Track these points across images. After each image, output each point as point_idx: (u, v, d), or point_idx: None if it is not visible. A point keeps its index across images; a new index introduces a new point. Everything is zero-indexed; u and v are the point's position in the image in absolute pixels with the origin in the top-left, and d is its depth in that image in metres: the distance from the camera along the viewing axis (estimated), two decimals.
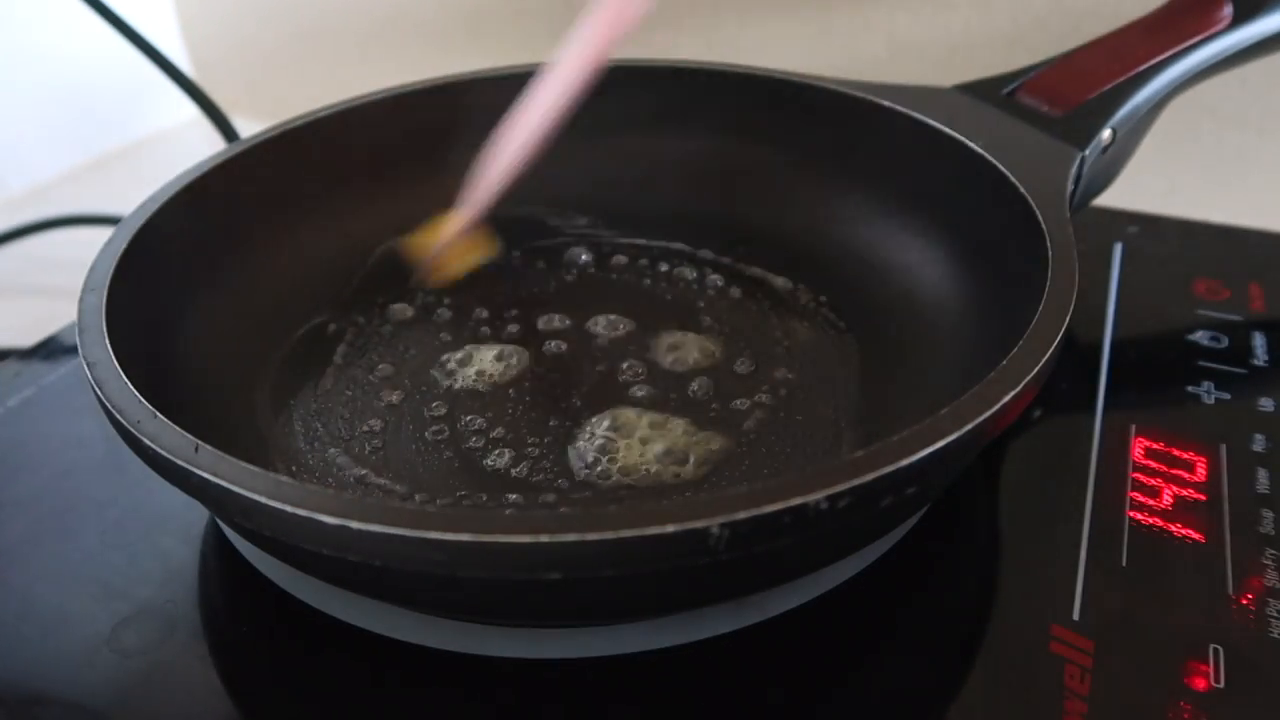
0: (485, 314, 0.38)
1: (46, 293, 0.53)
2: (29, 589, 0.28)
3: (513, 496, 0.29)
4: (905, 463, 0.21)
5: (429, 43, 0.67)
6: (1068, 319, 0.25)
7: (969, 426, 0.22)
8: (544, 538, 0.20)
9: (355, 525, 0.20)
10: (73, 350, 0.38)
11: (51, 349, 0.38)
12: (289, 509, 0.20)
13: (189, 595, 0.28)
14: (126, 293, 0.29)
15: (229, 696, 0.25)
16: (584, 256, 0.41)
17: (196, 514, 0.30)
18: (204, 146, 0.41)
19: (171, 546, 0.30)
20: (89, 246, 0.31)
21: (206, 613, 0.28)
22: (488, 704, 0.25)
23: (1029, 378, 0.23)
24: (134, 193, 0.34)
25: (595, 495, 0.29)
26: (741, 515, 0.20)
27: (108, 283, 0.29)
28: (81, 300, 0.28)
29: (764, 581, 0.25)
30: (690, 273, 0.40)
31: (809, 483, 0.20)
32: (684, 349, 0.35)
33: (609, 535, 0.20)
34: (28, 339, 0.39)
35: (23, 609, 0.28)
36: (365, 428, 0.32)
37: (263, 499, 0.21)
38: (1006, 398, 0.23)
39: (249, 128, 0.45)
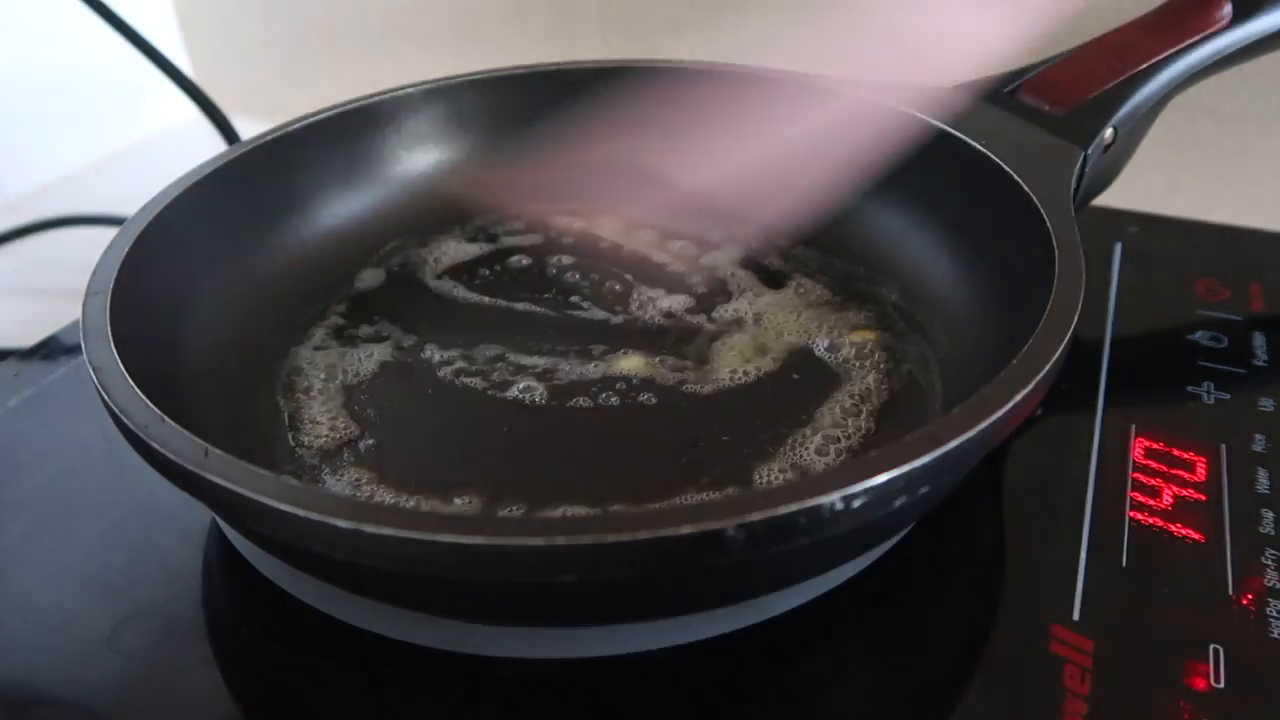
0: (492, 310, 0.38)
1: (46, 293, 0.53)
2: (29, 589, 0.28)
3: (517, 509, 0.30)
4: (920, 463, 0.21)
5: (429, 43, 0.67)
6: (1076, 315, 0.25)
7: (984, 424, 0.22)
8: (559, 540, 0.19)
9: (369, 529, 0.20)
10: (73, 350, 0.38)
11: (51, 349, 0.38)
12: (301, 513, 0.20)
13: (189, 595, 0.28)
14: (130, 296, 0.29)
15: (229, 696, 0.26)
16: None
17: (197, 514, 0.30)
18: (204, 146, 0.41)
19: (172, 547, 0.30)
20: (89, 247, 0.31)
21: (207, 613, 0.28)
22: (488, 704, 0.25)
23: (1042, 373, 0.23)
24: (134, 193, 0.34)
25: None
26: (757, 517, 0.20)
27: (111, 286, 0.29)
28: (85, 303, 0.28)
29: (775, 583, 0.25)
30: (679, 268, 0.40)
31: (824, 484, 0.20)
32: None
33: (625, 538, 0.19)
34: (28, 339, 0.39)
35: (23, 609, 0.28)
36: (370, 428, 0.32)
37: (275, 503, 0.21)
38: (1020, 395, 0.23)
39: (249, 128, 0.45)
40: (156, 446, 0.23)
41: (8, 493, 0.32)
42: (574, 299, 0.38)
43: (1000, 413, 0.22)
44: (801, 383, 0.34)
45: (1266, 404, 0.33)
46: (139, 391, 0.24)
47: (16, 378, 0.37)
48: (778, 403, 0.33)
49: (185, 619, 0.27)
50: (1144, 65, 0.35)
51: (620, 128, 0.43)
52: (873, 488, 0.20)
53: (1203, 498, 0.30)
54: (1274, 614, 0.26)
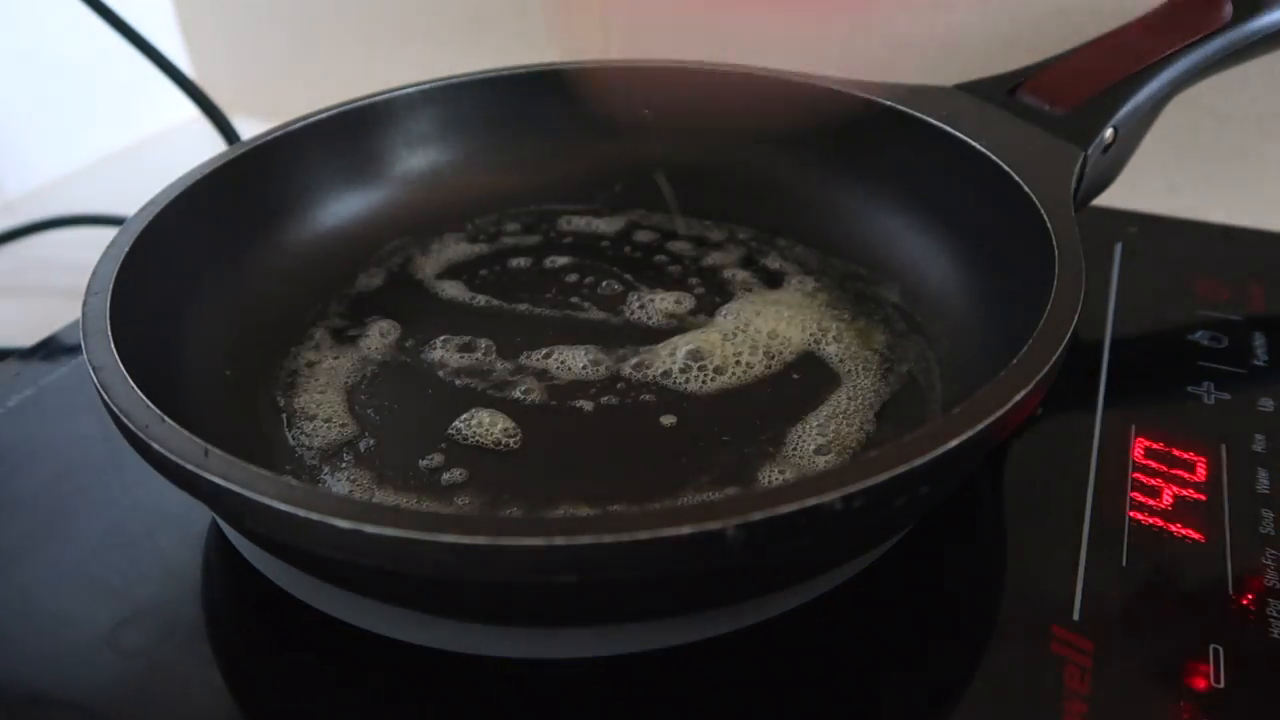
0: (492, 310, 0.38)
1: (46, 293, 0.53)
2: (29, 589, 0.28)
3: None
4: (919, 462, 0.21)
5: (429, 43, 0.66)
6: (1076, 315, 0.25)
7: (984, 424, 0.22)
8: (559, 540, 0.19)
9: (369, 529, 0.20)
10: (73, 350, 0.38)
11: (51, 349, 0.38)
12: (301, 513, 0.20)
13: (189, 595, 0.28)
14: (130, 296, 0.29)
15: (229, 696, 0.25)
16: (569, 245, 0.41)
17: (197, 514, 0.30)
18: (204, 146, 0.41)
19: (171, 546, 0.30)
20: (89, 247, 0.31)
21: (207, 612, 0.28)
22: (488, 704, 0.25)
23: (1042, 373, 0.23)
24: (134, 193, 0.34)
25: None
26: (757, 517, 0.20)
27: (111, 286, 0.29)
28: (85, 303, 0.28)
29: (775, 583, 0.25)
30: (678, 268, 0.40)
31: (824, 484, 0.20)
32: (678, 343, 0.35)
33: (625, 538, 0.19)
34: (28, 339, 0.39)
35: (23, 609, 0.28)
36: (370, 428, 0.32)
37: (275, 503, 0.21)
38: (1020, 395, 0.23)
39: (249, 128, 0.45)
40: (156, 446, 0.23)
41: (8, 493, 0.32)
42: (574, 299, 0.39)
43: (1000, 413, 0.22)
44: (801, 383, 0.34)
45: (1266, 404, 0.33)
46: (139, 391, 0.24)
47: (16, 378, 0.37)
48: (778, 403, 0.33)
49: (185, 619, 0.27)
50: (1144, 65, 0.35)
51: (620, 127, 0.43)
52: (873, 488, 0.20)
53: (1203, 498, 0.30)
54: (1274, 614, 0.26)
